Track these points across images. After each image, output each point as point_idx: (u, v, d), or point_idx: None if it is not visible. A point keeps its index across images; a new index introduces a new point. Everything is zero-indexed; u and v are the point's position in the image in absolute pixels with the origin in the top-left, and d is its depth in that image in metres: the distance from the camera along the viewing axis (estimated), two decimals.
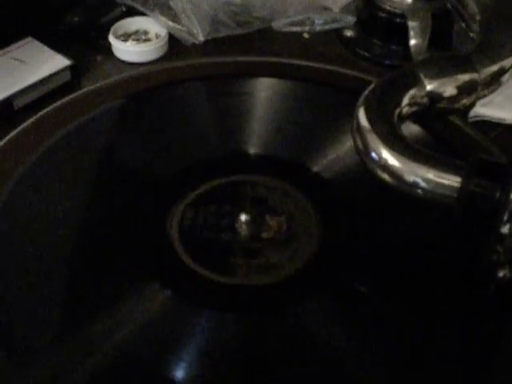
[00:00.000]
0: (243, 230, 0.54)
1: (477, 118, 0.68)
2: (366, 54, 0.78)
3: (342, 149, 0.61)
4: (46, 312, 0.49)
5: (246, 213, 0.55)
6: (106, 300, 0.50)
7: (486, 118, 0.68)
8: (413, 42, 0.74)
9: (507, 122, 0.67)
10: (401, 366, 0.47)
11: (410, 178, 0.46)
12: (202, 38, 0.78)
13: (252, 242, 0.54)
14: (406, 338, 0.48)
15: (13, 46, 0.73)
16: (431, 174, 0.46)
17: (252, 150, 0.62)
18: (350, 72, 0.71)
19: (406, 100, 0.52)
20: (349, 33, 0.81)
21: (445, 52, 0.62)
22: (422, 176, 0.46)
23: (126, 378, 0.45)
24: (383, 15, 0.78)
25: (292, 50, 0.80)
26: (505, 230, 0.43)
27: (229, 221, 0.55)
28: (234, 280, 0.52)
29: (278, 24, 0.82)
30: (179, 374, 0.45)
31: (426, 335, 0.48)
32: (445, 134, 0.61)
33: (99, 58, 0.78)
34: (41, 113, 0.65)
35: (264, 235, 0.54)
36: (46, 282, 0.51)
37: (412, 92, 0.53)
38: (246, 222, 0.54)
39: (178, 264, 0.52)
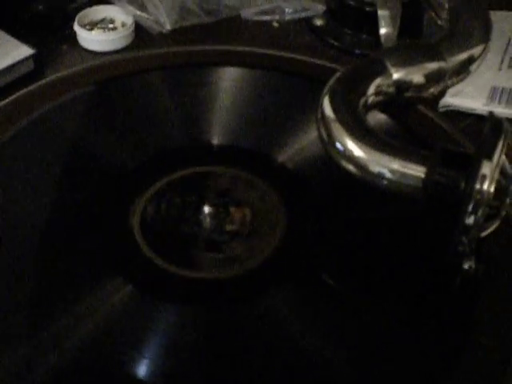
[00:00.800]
0: (207, 223, 0.53)
1: (447, 108, 0.67)
2: (336, 43, 0.77)
3: (308, 139, 0.60)
4: (8, 307, 0.47)
5: (210, 205, 0.54)
6: (69, 294, 0.49)
7: (455, 108, 0.67)
8: (383, 30, 0.73)
9: (477, 111, 0.67)
10: (366, 353, 0.46)
11: (375, 169, 0.46)
12: (168, 27, 0.77)
13: (216, 235, 0.53)
14: (370, 327, 0.48)
15: None
16: (396, 165, 0.45)
17: (216, 141, 0.61)
18: (316, 61, 0.69)
19: (371, 89, 0.51)
20: (319, 22, 0.80)
21: (412, 40, 0.61)
22: (387, 166, 0.45)
23: (88, 374, 0.44)
24: (353, 4, 0.77)
25: (261, 39, 0.79)
26: (469, 221, 0.42)
27: (192, 213, 0.54)
28: (197, 273, 0.51)
29: (247, 13, 0.81)
30: (142, 369, 0.45)
31: (390, 323, 0.48)
32: (413, 124, 0.60)
33: (64, 47, 0.76)
34: (2, 102, 0.63)
35: (228, 227, 0.53)
36: (9, 276, 0.49)
37: (378, 81, 0.52)
38: (210, 214, 0.53)
39: (140, 258, 0.51)
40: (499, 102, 0.67)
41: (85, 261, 0.51)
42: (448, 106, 0.67)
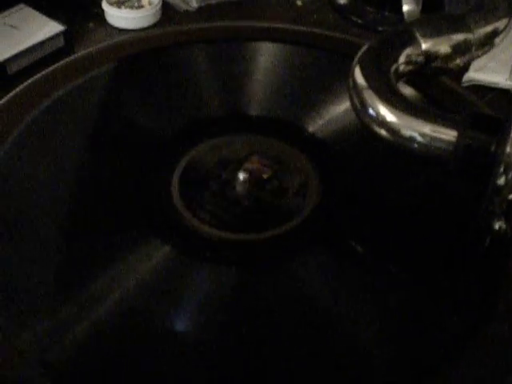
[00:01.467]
0: (242, 187, 0.55)
1: (471, 83, 0.69)
2: (360, 21, 0.79)
3: (338, 110, 0.61)
4: (47, 268, 0.49)
5: (246, 170, 0.55)
6: (108, 254, 0.50)
7: (479, 83, 0.69)
8: (406, 7, 0.74)
9: (500, 86, 0.68)
10: (394, 323, 0.47)
11: (407, 133, 0.47)
12: (195, 5, 0.78)
13: (251, 199, 0.55)
14: (400, 295, 0.49)
15: (5, 13, 0.73)
16: (428, 128, 0.46)
17: (251, 112, 0.63)
18: (344, 36, 0.71)
19: (402, 58, 0.52)
20: (342, 0, 0.81)
21: (441, 12, 0.62)
22: (419, 130, 0.46)
23: (128, 332, 0.45)
24: None
25: (285, 17, 0.80)
26: (501, 181, 0.43)
27: (229, 178, 0.56)
28: (233, 235, 0.52)
29: None
30: (180, 325, 0.46)
31: (421, 291, 0.49)
32: (439, 96, 0.61)
33: (92, 25, 0.78)
34: (35, 77, 0.64)
35: (263, 193, 0.55)
36: (48, 237, 0.51)
37: (408, 50, 0.53)
38: (246, 180, 0.55)
39: (178, 220, 0.53)
40: None
41: (126, 223, 0.53)
42: (471, 80, 0.69)
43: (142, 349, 0.44)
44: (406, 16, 0.74)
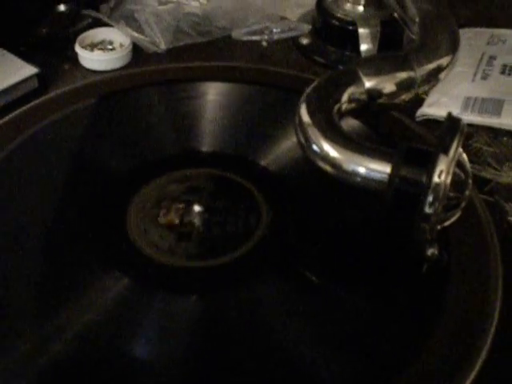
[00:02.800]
0: (196, 219, 0.58)
1: (424, 117, 0.72)
2: (322, 60, 0.82)
3: (287, 144, 0.64)
4: (8, 301, 0.51)
5: (199, 203, 0.59)
6: (70, 287, 0.53)
7: (432, 117, 0.72)
8: (363, 47, 0.78)
9: None
10: (346, 343, 0.50)
11: (348, 167, 0.50)
12: (163, 47, 0.82)
13: (205, 229, 0.58)
14: (351, 316, 0.51)
15: None
16: (366, 163, 0.49)
17: (206, 148, 0.66)
18: (296, 73, 0.74)
19: (345, 97, 0.56)
20: (305, 40, 0.85)
21: (384, 52, 0.66)
22: (359, 164, 0.49)
23: (91, 362, 0.47)
24: (336, 23, 0.82)
25: (251, 57, 0.84)
26: (429, 210, 0.46)
27: (183, 211, 0.58)
28: (189, 263, 0.55)
29: (238, 33, 0.86)
30: (142, 353, 0.49)
31: (368, 312, 0.52)
32: (389, 130, 0.64)
33: (66, 66, 0.81)
34: (7, 116, 0.67)
35: (216, 223, 0.58)
36: (14, 273, 0.53)
37: (351, 89, 0.56)
38: (199, 211, 0.58)
39: (135, 251, 0.56)
40: (472, 111, 0.72)
41: (84, 257, 0.55)
42: (425, 115, 0.72)
43: (105, 378, 0.46)
44: (363, 55, 0.78)
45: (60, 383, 0.46)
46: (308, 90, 0.56)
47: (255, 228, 0.58)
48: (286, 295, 0.53)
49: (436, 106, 0.72)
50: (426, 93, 0.72)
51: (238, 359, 0.48)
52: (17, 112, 0.68)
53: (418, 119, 0.72)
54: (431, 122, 0.72)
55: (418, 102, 0.73)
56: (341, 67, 0.79)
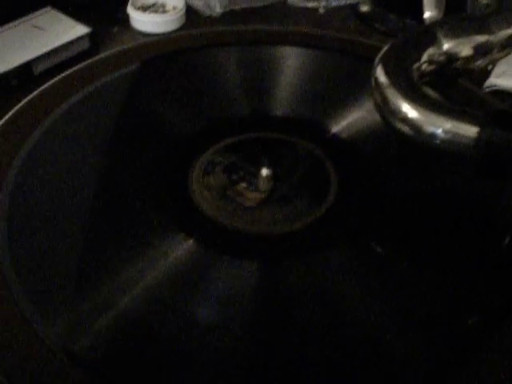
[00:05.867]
0: (264, 184, 0.55)
1: (492, 88, 0.69)
2: (382, 28, 0.79)
3: (360, 111, 0.62)
4: (73, 261, 0.50)
5: (268, 167, 0.56)
6: (134, 248, 0.51)
7: (500, 88, 0.69)
8: (427, 14, 0.75)
9: None
10: (411, 318, 0.47)
11: (429, 129, 0.47)
12: (219, 10, 0.79)
13: (272, 195, 0.55)
14: (418, 292, 0.49)
15: (33, 15, 0.75)
16: (449, 125, 0.46)
17: (275, 112, 0.64)
18: (367, 41, 0.71)
19: (424, 57, 0.53)
20: (364, 8, 0.82)
21: (463, 14, 0.63)
22: (441, 126, 0.47)
23: (152, 323, 0.46)
24: None
25: (308, 24, 0.81)
26: None
27: (251, 174, 0.56)
28: (254, 228, 0.53)
29: None
30: (203, 318, 0.47)
31: (439, 288, 0.49)
32: (460, 99, 0.62)
33: (116, 29, 0.79)
34: (60, 76, 0.65)
35: (284, 188, 0.55)
36: (73, 232, 0.52)
37: (430, 50, 0.53)
38: (267, 176, 0.55)
39: (201, 215, 0.53)
40: None
41: (150, 218, 0.53)
42: (493, 86, 0.69)
43: (166, 339, 0.45)
44: (426, 22, 0.74)
45: (124, 341, 0.45)
46: (383, 50, 0.53)
47: (324, 196, 0.55)
48: (353, 266, 0.51)
49: (504, 77, 0.69)
50: (495, 62, 0.69)
51: (301, 328, 0.46)
52: (67, 73, 0.66)
53: (485, 90, 0.69)
54: (499, 93, 0.68)
55: (485, 73, 0.70)
56: (402, 35, 0.77)
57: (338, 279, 0.50)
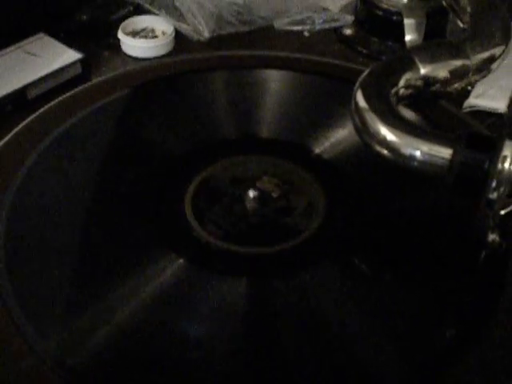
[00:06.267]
0: (252, 205, 0.58)
1: (471, 109, 0.71)
2: (365, 51, 0.81)
3: (343, 132, 0.64)
4: (68, 279, 0.52)
5: (256, 189, 0.59)
6: (127, 267, 0.53)
7: (479, 109, 0.71)
8: (408, 38, 0.78)
9: (500, 111, 0.70)
10: (394, 330, 0.49)
11: (406, 151, 0.49)
12: (207, 35, 0.81)
13: (260, 216, 0.58)
14: (402, 305, 0.51)
15: (26, 41, 0.77)
16: (425, 147, 0.49)
17: (261, 134, 0.66)
18: (348, 64, 0.74)
19: (401, 82, 0.55)
20: (348, 31, 0.85)
21: (439, 39, 0.65)
22: (417, 148, 0.49)
23: (144, 339, 0.48)
24: (380, 13, 0.81)
25: (293, 47, 0.83)
26: (493, 196, 0.45)
27: (240, 195, 0.59)
28: (242, 248, 0.55)
29: (280, 23, 0.85)
30: (194, 332, 0.49)
31: (421, 302, 0.51)
32: (439, 120, 0.64)
33: (107, 53, 0.81)
34: (53, 102, 0.67)
35: (272, 211, 0.58)
36: (68, 251, 0.54)
37: (407, 75, 0.56)
38: (255, 197, 0.58)
39: (191, 234, 0.56)
40: None
41: (142, 238, 0.56)
42: (472, 106, 0.71)
43: (157, 354, 0.47)
44: (408, 46, 0.77)
45: (117, 356, 0.47)
46: (363, 75, 0.55)
47: (311, 216, 0.57)
48: (340, 284, 0.53)
49: (483, 98, 0.72)
50: (472, 84, 0.71)
51: (288, 342, 0.48)
52: (60, 98, 0.68)
53: (464, 110, 0.71)
54: (478, 114, 0.71)
55: (464, 93, 0.72)
56: (384, 58, 0.79)
57: (323, 295, 0.52)
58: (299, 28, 0.86)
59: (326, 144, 0.64)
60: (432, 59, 0.57)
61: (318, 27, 0.85)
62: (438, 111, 0.65)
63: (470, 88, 0.72)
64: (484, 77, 0.61)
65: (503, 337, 0.47)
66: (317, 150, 0.64)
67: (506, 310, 0.48)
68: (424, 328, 0.49)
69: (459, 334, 0.49)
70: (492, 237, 0.49)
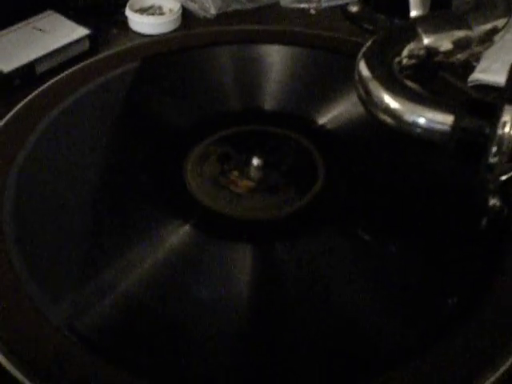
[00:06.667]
0: (254, 173, 0.59)
1: (476, 83, 0.72)
2: (371, 28, 0.82)
3: (345, 104, 0.65)
4: (76, 247, 0.53)
5: (258, 157, 0.59)
6: (134, 233, 0.54)
7: (484, 83, 0.71)
8: (413, 13, 0.78)
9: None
10: (396, 298, 0.50)
11: (409, 118, 0.50)
12: (213, 12, 0.82)
13: (263, 183, 0.59)
14: (403, 272, 0.52)
15: (34, 18, 0.78)
16: (428, 113, 0.49)
17: (266, 106, 0.67)
18: (351, 38, 0.75)
19: (404, 52, 0.56)
20: (354, 8, 0.85)
21: (442, 10, 0.65)
22: (420, 115, 0.49)
23: (152, 303, 0.49)
24: None
25: (299, 24, 0.83)
26: (493, 160, 0.46)
27: (243, 163, 0.60)
28: (245, 215, 0.56)
29: (286, 0, 0.86)
30: (201, 296, 0.50)
31: (422, 270, 0.52)
32: (443, 92, 0.64)
33: (115, 31, 0.82)
34: (62, 74, 0.69)
35: (274, 177, 0.59)
36: (76, 221, 0.55)
37: (410, 45, 0.56)
38: (257, 166, 0.59)
39: (196, 202, 0.57)
40: None
41: (148, 206, 0.57)
42: (477, 80, 0.72)
43: (166, 317, 0.48)
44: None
45: (126, 320, 0.48)
46: (366, 45, 0.56)
47: (312, 184, 0.58)
48: (340, 250, 0.54)
49: (488, 73, 0.72)
50: (475, 55, 0.72)
51: (292, 308, 0.49)
52: (68, 72, 0.69)
53: (469, 85, 0.71)
54: (483, 88, 0.71)
55: (469, 68, 0.72)
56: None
57: (324, 261, 0.53)
58: (305, 5, 0.86)
59: (330, 116, 0.65)
60: (435, 30, 0.57)
61: (324, 4, 0.86)
62: (440, 84, 0.66)
63: (472, 60, 0.73)
64: (487, 48, 0.62)
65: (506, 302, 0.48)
66: (320, 121, 0.65)
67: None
68: (426, 295, 0.50)
69: (461, 302, 0.49)
70: (493, 201, 0.49)
